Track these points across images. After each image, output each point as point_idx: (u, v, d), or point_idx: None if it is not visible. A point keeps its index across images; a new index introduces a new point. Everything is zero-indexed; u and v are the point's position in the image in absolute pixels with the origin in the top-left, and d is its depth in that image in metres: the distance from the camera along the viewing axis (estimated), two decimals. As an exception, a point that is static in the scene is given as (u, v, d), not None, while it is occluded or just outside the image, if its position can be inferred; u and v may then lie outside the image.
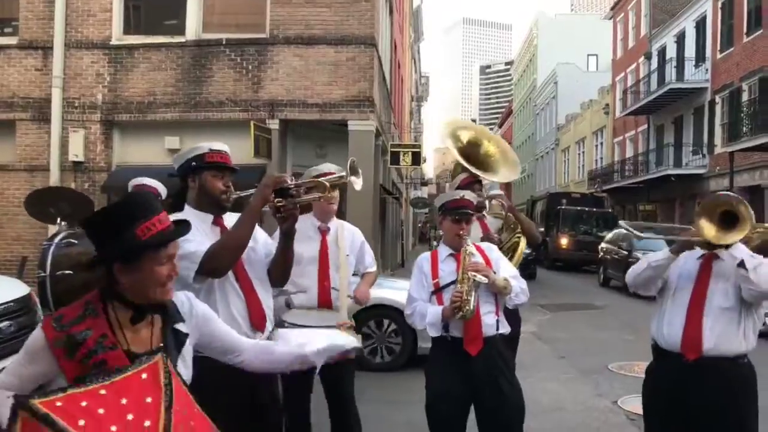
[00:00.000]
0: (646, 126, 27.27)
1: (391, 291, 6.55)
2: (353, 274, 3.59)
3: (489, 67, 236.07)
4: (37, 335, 1.54)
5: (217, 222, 2.45)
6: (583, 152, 36.78)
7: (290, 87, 10.51)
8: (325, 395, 3.38)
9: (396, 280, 8.65)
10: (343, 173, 2.60)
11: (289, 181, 2.34)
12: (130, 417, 1.38)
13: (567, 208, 23.17)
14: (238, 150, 10.35)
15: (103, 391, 1.39)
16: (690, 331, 2.58)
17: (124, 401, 1.39)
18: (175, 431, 1.42)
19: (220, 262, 2.28)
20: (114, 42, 10.52)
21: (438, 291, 2.90)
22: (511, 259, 4.02)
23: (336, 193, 3.26)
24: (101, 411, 1.35)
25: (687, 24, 23.55)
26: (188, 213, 2.39)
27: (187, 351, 1.72)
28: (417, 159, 15.37)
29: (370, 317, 6.30)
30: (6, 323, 3.65)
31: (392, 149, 15.38)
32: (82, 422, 1.32)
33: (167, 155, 10.61)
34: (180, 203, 2.48)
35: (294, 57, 10.54)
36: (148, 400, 1.42)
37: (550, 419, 4.70)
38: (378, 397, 5.04)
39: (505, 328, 2.95)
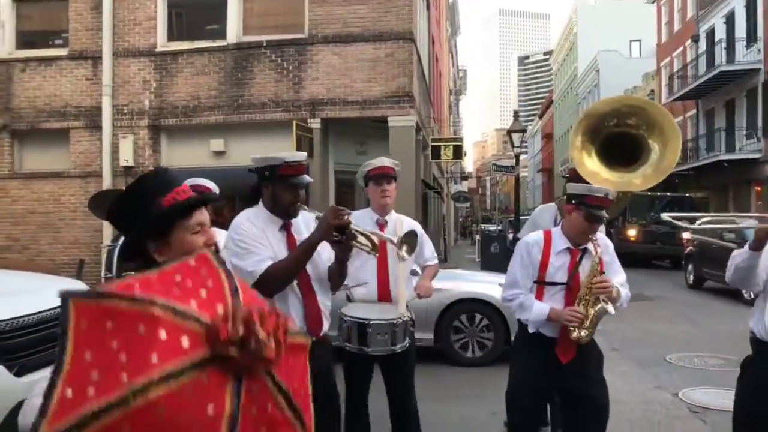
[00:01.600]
0: (695, 111, 26.35)
1: (484, 285, 6.55)
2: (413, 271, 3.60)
3: (527, 57, 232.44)
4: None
5: (286, 227, 2.59)
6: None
7: (330, 86, 10.58)
8: (386, 387, 3.38)
9: (488, 273, 8.65)
10: (394, 238, 2.69)
11: (350, 221, 2.42)
12: (203, 293, 1.12)
13: (634, 193, 21.53)
14: (281, 150, 10.44)
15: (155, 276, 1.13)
16: None
17: (189, 283, 1.14)
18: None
19: (272, 288, 2.41)
20: (159, 49, 10.80)
21: (541, 284, 2.69)
22: None
23: (392, 186, 3.33)
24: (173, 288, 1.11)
25: (736, 3, 22.60)
26: (261, 212, 2.59)
27: None
28: (458, 153, 15.26)
29: (462, 311, 6.25)
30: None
31: (433, 143, 15.31)
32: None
33: (212, 157, 10.84)
34: (255, 196, 2.64)
35: (333, 55, 10.60)
36: (209, 283, 1.16)
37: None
38: (434, 392, 5.02)
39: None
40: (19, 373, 3.31)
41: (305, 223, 2.65)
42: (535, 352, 2.74)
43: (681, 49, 27.88)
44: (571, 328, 2.57)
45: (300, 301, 2.53)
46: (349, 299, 3.30)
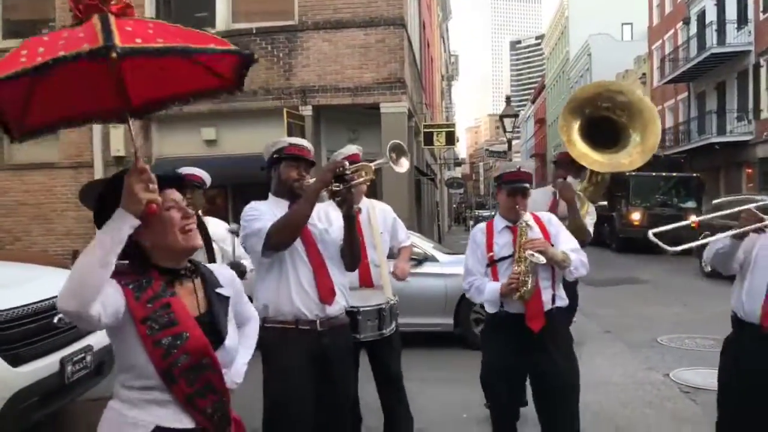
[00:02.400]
0: (686, 94, 26.41)
1: None
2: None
3: (519, 42, 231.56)
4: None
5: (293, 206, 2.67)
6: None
7: (321, 72, 10.53)
8: (373, 372, 3.42)
9: None
10: (383, 159, 2.81)
11: (344, 166, 2.54)
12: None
13: (638, 174, 17.45)
14: (273, 138, 10.40)
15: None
16: None
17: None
18: None
19: (283, 235, 2.51)
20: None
21: (492, 264, 2.85)
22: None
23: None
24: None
25: (727, -15, 22.61)
26: (270, 199, 2.72)
27: (230, 313, 1.76)
28: (451, 139, 15.26)
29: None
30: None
31: (425, 130, 15.30)
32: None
33: (204, 146, 10.81)
34: (266, 193, 2.76)
35: (324, 42, 10.54)
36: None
37: (599, 393, 4.65)
38: (425, 375, 5.07)
39: (563, 301, 2.91)
40: (15, 363, 3.34)
41: (318, 208, 2.71)
42: (504, 333, 2.84)
43: (672, 31, 27.87)
44: (515, 293, 2.69)
45: (311, 273, 2.62)
46: None
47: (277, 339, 2.56)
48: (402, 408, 3.46)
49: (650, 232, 2.61)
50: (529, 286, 2.67)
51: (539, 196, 4.11)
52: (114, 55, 1.22)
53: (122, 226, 1.43)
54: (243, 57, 1.54)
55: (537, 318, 2.76)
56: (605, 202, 18.76)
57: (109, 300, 1.48)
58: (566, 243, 2.86)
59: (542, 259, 2.64)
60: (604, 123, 3.69)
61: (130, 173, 1.44)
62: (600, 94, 3.74)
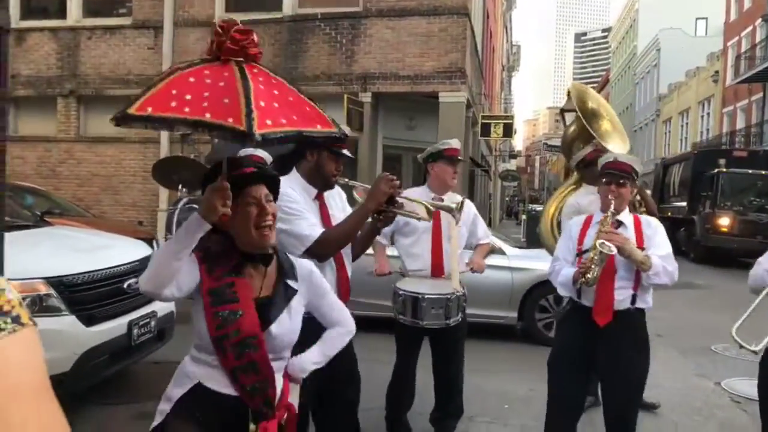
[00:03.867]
0: (761, 94, 25.09)
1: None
2: (465, 247, 3.70)
3: (584, 34, 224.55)
4: (191, 254, 1.78)
5: (319, 197, 2.61)
6: (687, 123, 34.45)
7: (382, 60, 10.61)
8: (433, 360, 3.52)
9: None
10: (453, 205, 2.77)
11: (400, 192, 2.51)
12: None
13: (729, 172, 15.16)
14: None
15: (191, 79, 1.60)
16: None
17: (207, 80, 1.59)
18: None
19: (327, 252, 2.48)
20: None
21: (579, 255, 2.84)
22: None
23: (458, 168, 3.49)
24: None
25: (815, -20, 21.26)
26: (295, 180, 2.57)
27: (296, 307, 1.86)
28: (508, 131, 15.08)
29: (549, 292, 6.10)
30: (133, 280, 4.04)
31: (483, 121, 15.18)
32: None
33: (265, 128, 11.09)
34: (288, 165, 2.63)
35: (386, 29, 10.60)
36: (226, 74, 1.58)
37: (647, 397, 4.60)
38: (468, 366, 5.14)
39: (645, 304, 2.86)
40: (88, 323, 3.60)
41: (332, 195, 2.70)
42: (575, 322, 2.87)
43: (750, 28, 26.47)
44: (581, 277, 2.68)
45: (334, 271, 2.58)
46: (403, 274, 3.42)
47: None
48: (455, 396, 3.55)
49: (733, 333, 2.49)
50: (595, 273, 2.65)
51: (582, 199, 4.02)
52: (252, 141, 1.47)
53: (197, 229, 1.67)
54: (334, 138, 1.83)
55: (604, 313, 2.75)
56: (683, 203, 17.10)
57: (185, 279, 1.73)
58: (658, 248, 2.79)
59: (613, 250, 2.62)
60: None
61: (212, 187, 1.65)
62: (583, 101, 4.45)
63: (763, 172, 15.21)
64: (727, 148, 22.80)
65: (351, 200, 2.83)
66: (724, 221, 14.49)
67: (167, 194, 10.52)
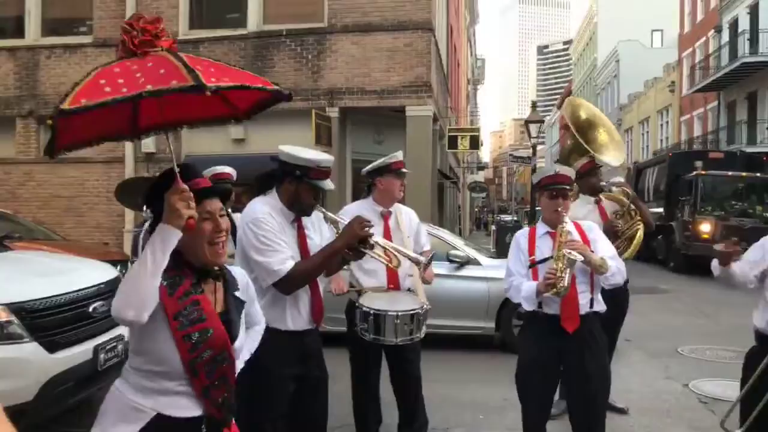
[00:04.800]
0: (716, 103, 25.99)
1: None
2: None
3: (546, 47, 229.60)
4: None
5: (297, 221, 2.67)
6: (647, 132, 35.45)
7: (349, 75, 10.66)
8: (392, 373, 3.52)
9: None
10: (422, 259, 2.86)
11: (372, 236, 2.59)
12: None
13: (709, 174, 14.31)
14: (300, 139, 10.61)
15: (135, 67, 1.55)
16: None
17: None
18: None
19: (292, 288, 2.55)
20: (181, 37, 10.95)
21: (533, 266, 2.93)
22: (627, 247, 4.14)
23: (403, 182, 3.52)
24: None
25: (761, -7, 22.21)
26: (275, 203, 2.61)
27: (243, 317, 1.87)
28: (475, 143, 15.28)
29: None
30: (99, 303, 3.94)
31: (450, 133, 15.34)
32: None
33: (232, 144, 11.01)
34: (269, 184, 2.67)
35: (352, 45, 10.67)
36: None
37: (617, 400, 4.67)
38: (443, 377, 5.15)
39: (600, 307, 2.96)
40: (52, 350, 3.49)
41: (312, 221, 2.74)
42: (540, 332, 2.93)
43: (704, 39, 27.46)
44: (551, 288, 2.73)
45: (308, 296, 2.64)
46: (359, 291, 3.36)
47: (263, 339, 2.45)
48: (419, 408, 3.55)
49: None
50: (566, 282, 2.71)
51: (579, 210, 4.16)
52: (208, 93, 1.42)
53: (168, 239, 1.56)
54: (280, 97, 1.71)
55: (572, 319, 2.84)
56: (659, 209, 15.96)
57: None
58: (604, 251, 2.92)
59: (579, 257, 2.70)
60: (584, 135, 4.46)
61: (171, 192, 1.57)
62: (574, 112, 4.63)
63: (744, 174, 14.43)
64: (702, 149, 21.60)
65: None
66: (706, 227, 13.43)
67: (133, 215, 10.32)
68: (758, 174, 14.65)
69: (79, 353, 3.65)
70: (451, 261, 6.35)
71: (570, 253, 2.70)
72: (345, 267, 3.25)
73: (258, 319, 2.07)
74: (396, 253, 2.73)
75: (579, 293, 2.86)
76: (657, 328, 7.82)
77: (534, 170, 17.62)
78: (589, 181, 4.32)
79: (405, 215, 3.61)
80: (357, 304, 3.20)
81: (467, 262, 6.45)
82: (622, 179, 4.45)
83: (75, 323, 3.71)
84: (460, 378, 5.35)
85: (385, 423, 3.74)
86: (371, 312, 3.11)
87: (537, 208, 16.82)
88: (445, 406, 4.43)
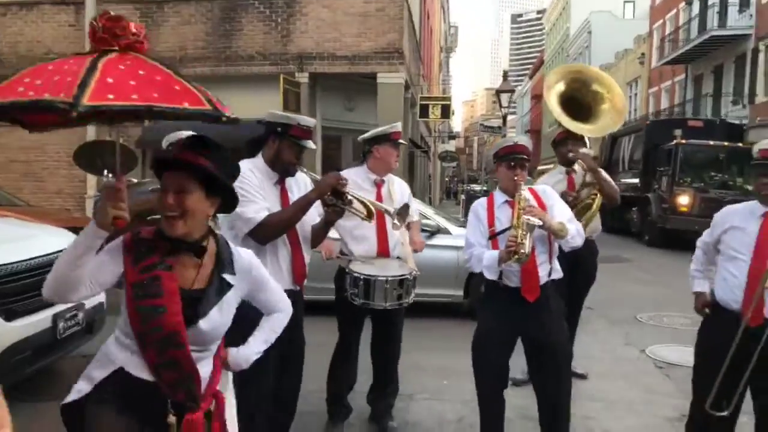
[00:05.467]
0: (683, 76, 26.35)
1: None
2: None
3: (520, 15, 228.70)
4: (118, 240, 1.74)
5: (280, 182, 2.78)
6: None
7: (319, 39, 10.46)
8: (374, 336, 3.58)
9: None
10: (391, 209, 3.00)
11: (347, 187, 2.68)
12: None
13: (688, 144, 13.60)
14: (268, 104, 10.41)
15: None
16: (749, 294, 2.57)
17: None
18: None
19: (267, 235, 2.63)
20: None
21: (493, 237, 2.93)
22: (579, 219, 4.06)
23: (398, 151, 3.57)
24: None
25: (731, -33, 22.37)
26: (260, 164, 2.74)
27: (229, 301, 1.80)
28: (446, 112, 15.24)
29: None
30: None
31: (421, 102, 15.25)
32: None
33: (199, 110, 10.75)
34: (256, 148, 2.79)
35: (323, 8, 10.44)
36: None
37: (578, 366, 4.80)
38: (410, 344, 5.20)
39: (558, 274, 3.00)
40: (9, 318, 3.41)
41: (297, 183, 2.84)
42: (500, 302, 2.95)
43: (674, 11, 27.66)
44: (513, 255, 2.74)
45: (289, 254, 2.73)
46: (343, 253, 3.39)
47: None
48: (394, 372, 3.61)
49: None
50: (527, 249, 2.73)
51: (549, 180, 4.20)
52: (74, 114, 1.38)
53: (92, 235, 1.61)
54: (212, 119, 1.62)
55: (533, 290, 2.88)
56: (635, 180, 15.51)
57: (103, 274, 1.68)
58: (561, 214, 2.95)
59: (538, 222, 2.73)
60: (576, 104, 4.19)
61: (104, 187, 1.60)
62: (565, 77, 4.30)
63: (726, 144, 13.57)
64: (681, 117, 20.40)
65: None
66: (684, 200, 12.84)
67: (95, 180, 10.06)
68: (740, 144, 13.75)
69: (37, 321, 3.58)
70: (421, 230, 6.37)
71: (529, 219, 2.72)
72: (336, 238, 3.29)
73: (279, 307, 2.01)
74: (371, 206, 2.84)
75: (539, 264, 2.89)
76: (618, 296, 8.03)
77: (504, 140, 17.67)
78: (560, 151, 4.34)
79: (397, 185, 3.63)
80: (347, 270, 3.23)
81: (437, 231, 6.50)
82: (588, 150, 4.39)
83: (33, 291, 3.61)
84: (426, 345, 5.42)
85: (357, 388, 3.78)
86: (361, 277, 3.15)
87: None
88: (410, 372, 4.49)
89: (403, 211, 3.08)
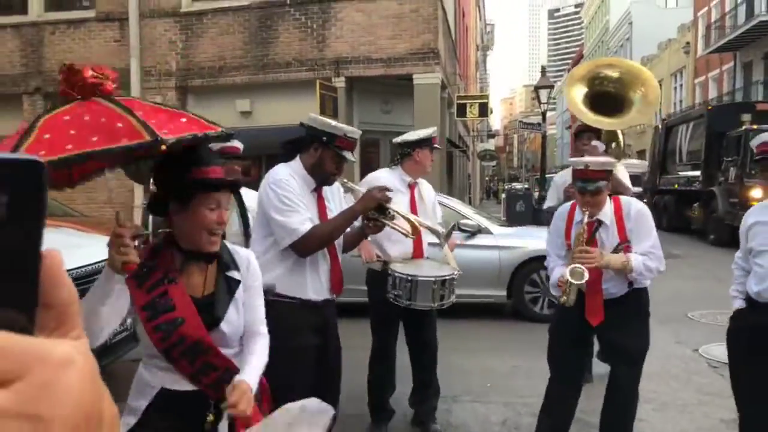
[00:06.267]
0: (732, 64, 25.38)
1: None
2: None
3: (558, 10, 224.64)
4: None
5: (317, 189, 2.68)
6: (661, 95, 34.82)
7: (354, 44, 10.51)
8: (410, 339, 3.58)
9: None
10: (441, 230, 2.99)
11: (390, 203, 2.63)
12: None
13: (761, 129, 10.43)
14: (306, 109, 10.49)
15: None
16: None
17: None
18: None
19: (309, 249, 2.55)
20: (184, 9, 10.84)
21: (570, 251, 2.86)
22: None
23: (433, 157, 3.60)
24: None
25: (780, -52, 21.45)
26: (299, 169, 2.63)
27: (241, 298, 1.81)
28: (484, 110, 15.06)
29: (538, 268, 6.10)
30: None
31: (458, 101, 15.13)
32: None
33: (239, 117, 10.96)
34: (293, 150, 2.69)
35: (357, 12, 10.49)
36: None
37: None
38: (453, 346, 5.18)
39: (642, 285, 2.89)
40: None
41: (331, 191, 2.78)
42: (569, 317, 2.90)
43: (720, -2, 26.70)
44: (563, 294, 2.71)
45: (328, 265, 2.67)
46: (385, 261, 3.37)
47: (285, 310, 2.51)
48: (434, 375, 3.60)
49: None
50: (571, 298, 2.69)
51: (568, 174, 4.11)
52: (163, 148, 1.44)
53: (108, 281, 1.58)
54: (152, 145, 1.49)
55: (595, 315, 2.81)
56: (695, 172, 14.37)
57: (122, 304, 1.66)
58: (640, 244, 2.79)
59: (585, 277, 2.63)
60: (606, 97, 3.98)
61: (113, 235, 1.57)
62: (593, 71, 4.08)
63: None
64: (747, 101, 18.47)
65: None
66: (757, 193, 10.67)
67: (142, 189, 10.38)
68: None
69: (89, 328, 3.70)
70: (462, 230, 6.36)
71: (574, 273, 2.64)
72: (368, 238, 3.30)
73: (262, 330, 1.89)
74: (416, 223, 2.78)
75: (610, 286, 2.81)
76: (668, 293, 7.78)
77: (544, 137, 17.40)
78: (576, 144, 4.23)
79: (426, 187, 3.67)
80: (390, 271, 3.22)
81: (478, 231, 6.45)
82: (598, 143, 4.07)
83: (80, 298, 3.74)
84: (469, 346, 5.38)
85: (398, 391, 3.78)
86: (408, 278, 3.13)
87: (547, 176, 16.67)
88: (454, 374, 4.46)
89: (450, 233, 3.09)
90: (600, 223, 2.80)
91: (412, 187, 3.51)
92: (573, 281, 2.64)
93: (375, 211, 2.60)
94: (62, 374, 0.32)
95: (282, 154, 2.72)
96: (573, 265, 2.65)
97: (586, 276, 2.63)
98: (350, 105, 11.04)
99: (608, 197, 2.85)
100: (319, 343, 2.64)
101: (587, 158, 2.93)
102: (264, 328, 1.91)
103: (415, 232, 2.80)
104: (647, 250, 2.77)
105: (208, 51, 10.84)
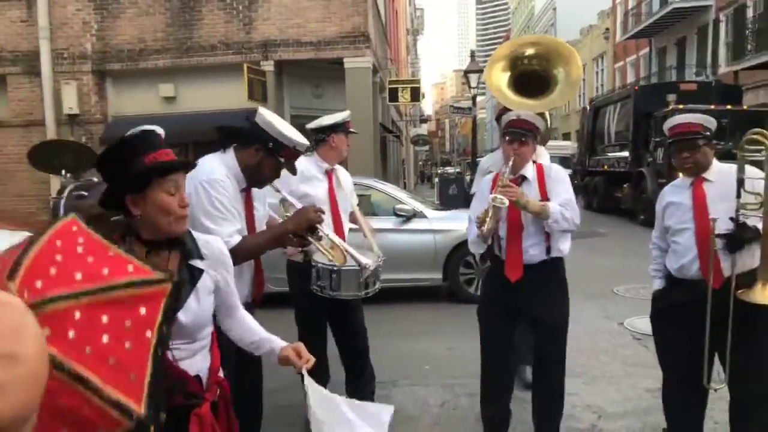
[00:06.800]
0: (647, 49, 26.65)
1: None
2: None
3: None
4: None
5: (246, 191, 2.51)
6: (584, 80, 36.17)
7: (282, 26, 10.24)
8: (337, 328, 3.51)
9: None
10: (364, 263, 2.77)
11: (322, 225, 2.52)
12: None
13: (687, 108, 10.75)
14: (233, 94, 10.21)
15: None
16: (704, 258, 2.58)
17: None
18: None
19: (237, 262, 2.38)
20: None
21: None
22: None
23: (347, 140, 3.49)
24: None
25: (690, -62, 22.57)
26: (231, 166, 2.43)
27: (204, 287, 1.74)
28: (416, 95, 15.11)
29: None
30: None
31: (390, 86, 15.11)
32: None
33: (163, 103, 10.49)
34: (228, 140, 2.49)
35: (284, -6, 10.21)
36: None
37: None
38: (390, 330, 5.17)
39: (559, 253, 2.94)
40: None
41: (261, 192, 2.62)
42: (494, 274, 3.02)
43: (636, -15, 27.88)
44: (478, 228, 2.78)
45: (251, 271, 2.55)
46: (306, 252, 3.18)
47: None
48: (366, 361, 3.56)
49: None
50: (489, 225, 2.72)
51: (494, 158, 4.13)
52: None
53: None
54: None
55: (514, 270, 2.87)
56: (624, 153, 14.40)
57: None
58: (559, 196, 2.88)
59: (505, 202, 2.68)
60: (530, 76, 3.89)
61: None
62: (516, 51, 3.93)
63: (729, 107, 11.91)
64: (672, 81, 18.59)
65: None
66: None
67: (59, 182, 9.76)
68: (745, 107, 12.58)
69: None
70: (397, 215, 6.38)
71: (495, 198, 2.69)
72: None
73: (241, 311, 1.94)
74: (344, 252, 2.68)
75: (530, 245, 2.86)
76: (595, 269, 8.11)
77: (475, 121, 17.67)
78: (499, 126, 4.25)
79: (342, 174, 3.58)
80: (313, 263, 3.08)
81: (413, 215, 6.49)
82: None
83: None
84: (407, 330, 5.40)
85: (333, 380, 3.72)
86: (334, 268, 2.99)
87: (477, 160, 16.97)
88: (392, 359, 4.45)
89: (377, 271, 2.98)
90: (524, 178, 2.91)
91: (329, 173, 3.43)
92: (494, 204, 2.68)
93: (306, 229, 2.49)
94: (26, 318, 0.40)
95: (215, 141, 2.51)
96: (495, 195, 2.70)
97: (506, 203, 2.68)
98: (280, 89, 10.78)
99: (532, 163, 2.97)
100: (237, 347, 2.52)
101: (519, 111, 3.07)
102: (236, 300, 1.94)
103: (339, 260, 2.70)
104: (564, 201, 2.87)
105: (126, 32, 10.26)
